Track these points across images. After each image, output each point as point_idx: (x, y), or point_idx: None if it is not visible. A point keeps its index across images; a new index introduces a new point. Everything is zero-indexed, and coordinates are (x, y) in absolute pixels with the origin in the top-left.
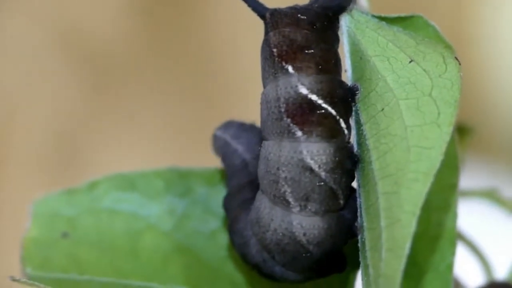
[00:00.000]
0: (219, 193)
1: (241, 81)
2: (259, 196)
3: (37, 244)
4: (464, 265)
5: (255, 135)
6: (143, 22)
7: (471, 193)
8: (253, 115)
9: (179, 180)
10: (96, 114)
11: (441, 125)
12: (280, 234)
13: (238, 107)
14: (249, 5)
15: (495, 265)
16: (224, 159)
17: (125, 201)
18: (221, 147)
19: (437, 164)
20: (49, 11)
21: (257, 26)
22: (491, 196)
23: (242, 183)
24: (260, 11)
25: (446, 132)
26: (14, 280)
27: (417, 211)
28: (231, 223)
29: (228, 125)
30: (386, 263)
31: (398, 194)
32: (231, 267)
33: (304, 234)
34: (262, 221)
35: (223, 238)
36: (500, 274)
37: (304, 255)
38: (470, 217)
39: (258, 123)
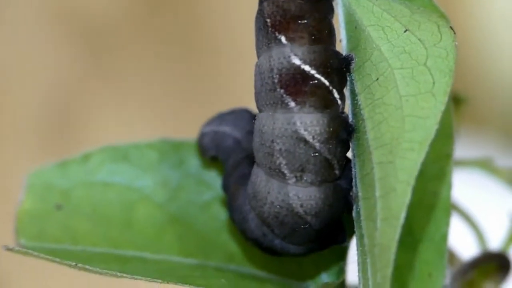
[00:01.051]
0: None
1: (235, 53)
2: (255, 169)
3: (31, 216)
4: (458, 235)
5: (237, 115)
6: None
7: (465, 163)
8: (246, 87)
9: (172, 152)
10: (91, 87)
11: (436, 94)
12: (278, 206)
13: (233, 78)
14: None
15: (489, 235)
16: (216, 148)
17: (119, 173)
18: (211, 142)
19: (432, 134)
20: None
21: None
22: (486, 165)
23: (238, 160)
24: None
25: (441, 101)
26: (8, 249)
27: (412, 181)
28: (231, 200)
29: (209, 120)
30: (381, 232)
31: (393, 163)
32: (225, 237)
33: (301, 205)
34: (259, 195)
35: (217, 209)
36: (494, 245)
37: (302, 226)
38: (465, 187)
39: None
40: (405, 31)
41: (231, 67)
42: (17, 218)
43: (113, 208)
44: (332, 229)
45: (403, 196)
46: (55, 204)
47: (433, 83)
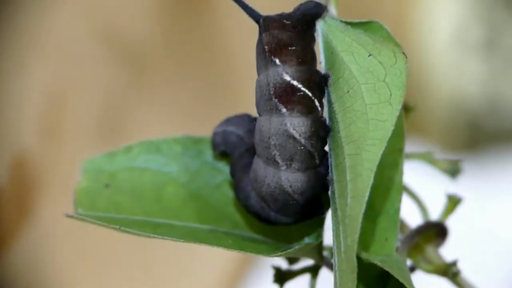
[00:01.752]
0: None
1: (244, 74)
2: (256, 159)
3: (85, 192)
4: (408, 210)
5: (240, 118)
6: (169, 24)
7: (412, 156)
8: (250, 99)
9: (193, 145)
10: (133, 97)
11: (392, 103)
12: (273, 187)
13: (242, 95)
14: (247, 13)
15: (431, 210)
16: (224, 143)
17: (152, 161)
18: (221, 139)
19: (389, 133)
20: (92, 11)
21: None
22: (428, 158)
23: (241, 152)
24: (255, 17)
25: (396, 109)
26: (68, 216)
27: (374, 168)
28: (236, 183)
29: (219, 123)
30: (351, 207)
31: (360, 155)
32: (231, 210)
33: (291, 186)
34: (258, 178)
35: (226, 189)
36: (434, 216)
37: (291, 202)
38: (413, 173)
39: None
40: (369, 56)
41: (242, 82)
42: (75, 194)
43: (148, 187)
44: (314, 204)
45: (367, 179)
46: (104, 183)
47: (390, 95)
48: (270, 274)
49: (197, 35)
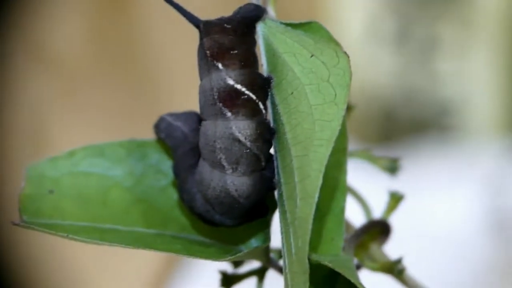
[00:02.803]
0: (167, 158)
1: (174, 83)
2: (201, 162)
3: (30, 198)
4: (351, 209)
5: (188, 115)
6: (99, 42)
7: (351, 154)
8: (182, 107)
9: (137, 149)
10: (61, 105)
11: (338, 103)
12: (218, 190)
13: (172, 101)
14: (187, 18)
15: (373, 208)
16: (167, 135)
17: (96, 165)
18: (164, 127)
19: (336, 133)
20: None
21: (186, 38)
22: (366, 155)
23: (185, 151)
24: (195, 21)
25: (341, 108)
26: (14, 224)
27: (323, 169)
28: (181, 184)
29: (169, 113)
30: (300, 208)
31: (307, 156)
32: (177, 213)
33: (236, 190)
34: (204, 181)
35: (171, 192)
36: (377, 215)
37: (236, 205)
38: (354, 172)
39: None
40: (311, 56)
41: (173, 93)
42: (20, 200)
43: (92, 191)
44: (258, 206)
45: (316, 180)
46: (48, 189)
47: (335, 95)
48: (196, 272)
49: (124, 40)
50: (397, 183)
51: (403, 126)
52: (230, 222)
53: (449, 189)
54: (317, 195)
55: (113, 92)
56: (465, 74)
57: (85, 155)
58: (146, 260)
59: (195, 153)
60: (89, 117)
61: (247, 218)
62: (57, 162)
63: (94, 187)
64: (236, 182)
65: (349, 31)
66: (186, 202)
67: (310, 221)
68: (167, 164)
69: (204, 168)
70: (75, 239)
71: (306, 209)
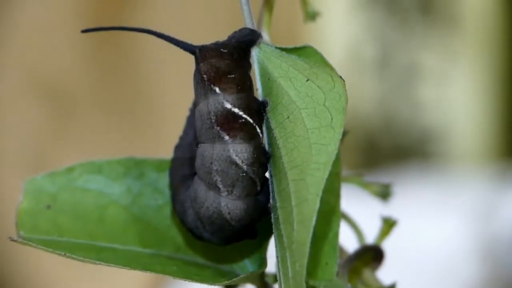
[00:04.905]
0: (164, 177)
1: (168, 108)
2: (197, 180)
3: (27, 213)
4: (344, 234)
5: None
6: (94, 66)
7: (344, 179)
8: (176, 129)
9: (135, 167)
10: (59, 134)
11: (334, 127)
12: (211, 211)
13: (166, 126)
14: (181, 47)
15: (366, 233)
16: (186, 125)
17: (94, 182)
18: (188, 119)
19: (333, 157)
20: (23, 59)
21: (178, 58)
22: (358, 181)
23: (184, 157)
24: (191, 49)
25: (338, 132)
26: (11, 240)
27: (320, 193)
28: (174, 193)
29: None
30: (298, 232)
31: (304, 180)
32: (174, 232)
33: (229, 213)
34: (198, 200)
35: (168, 211)
36: (370, 240)
37: (227, 227)
38: (347, 197)
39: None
40: (307, 81)
41: (166, 118)
42: (17, 215)
43: (90, 208)
44: (248, 229)
45: (313, 204)
46: (45, 204)
47: (332, 119)
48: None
49: (123, 74)
50: (385, 209)
51: (385, 153)
52: (218, 241)
53: (435, 216)
54: (314, 219)
55: (104, 119)
56: (447, 101)
57: (83, 171)
58: (137, 274)
59: (192, 163)
60: (85, 140)
61: (235, 239)
62: (55, 177)
63: (91, 204)
64: (230, 205)
65: (331, 56)
66: (178, 213)
67: (308, 244)
68: (164, 183)
69: (199, 187)
70: (72, 258)
71: (303, 232)
